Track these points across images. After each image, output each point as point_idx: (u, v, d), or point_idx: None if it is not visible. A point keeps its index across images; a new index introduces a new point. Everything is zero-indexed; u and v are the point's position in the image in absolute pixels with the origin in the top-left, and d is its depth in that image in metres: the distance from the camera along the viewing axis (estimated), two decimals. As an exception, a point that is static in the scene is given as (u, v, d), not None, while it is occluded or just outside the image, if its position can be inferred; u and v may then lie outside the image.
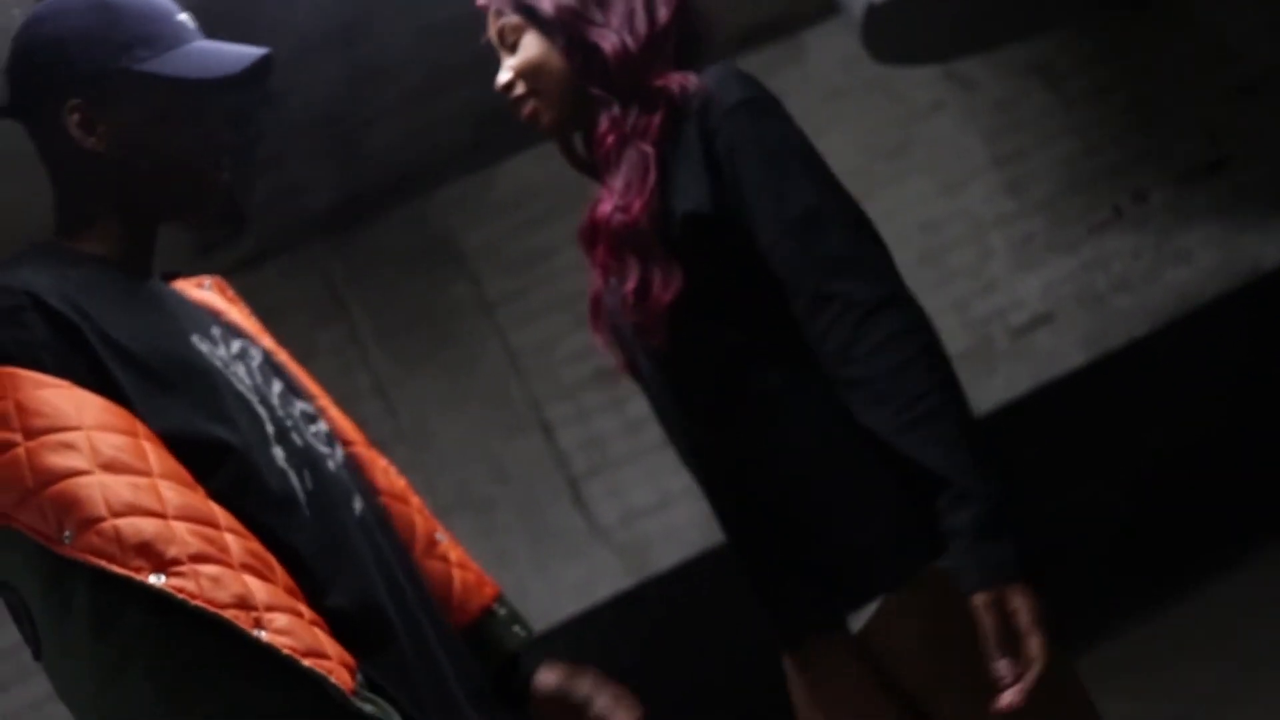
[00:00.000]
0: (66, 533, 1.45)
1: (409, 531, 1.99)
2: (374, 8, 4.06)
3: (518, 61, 1.99)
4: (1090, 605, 5.57)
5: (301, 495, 1.67)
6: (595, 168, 2.01)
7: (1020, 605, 1.65)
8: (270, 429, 1.70)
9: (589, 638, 5.35)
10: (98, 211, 1.75)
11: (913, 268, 5.86)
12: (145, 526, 1.46)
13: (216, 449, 1.60)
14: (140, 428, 1.55)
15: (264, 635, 1.45)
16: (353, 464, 1.92)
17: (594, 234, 1.97)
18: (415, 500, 2.05)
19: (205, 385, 1.66)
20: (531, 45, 1.98)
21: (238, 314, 1.98)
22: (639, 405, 5.63)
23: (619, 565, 5.56)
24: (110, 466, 1.49)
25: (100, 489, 1.47)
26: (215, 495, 1.56)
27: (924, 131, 6.10)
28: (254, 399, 1.72)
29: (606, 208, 1.92)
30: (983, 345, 5.93)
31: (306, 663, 1.46)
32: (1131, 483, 5.74)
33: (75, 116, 1.71)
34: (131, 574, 1.43)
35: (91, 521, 1.45)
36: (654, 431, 5.62)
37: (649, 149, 1.88)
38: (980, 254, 6.02)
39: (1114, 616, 5.56)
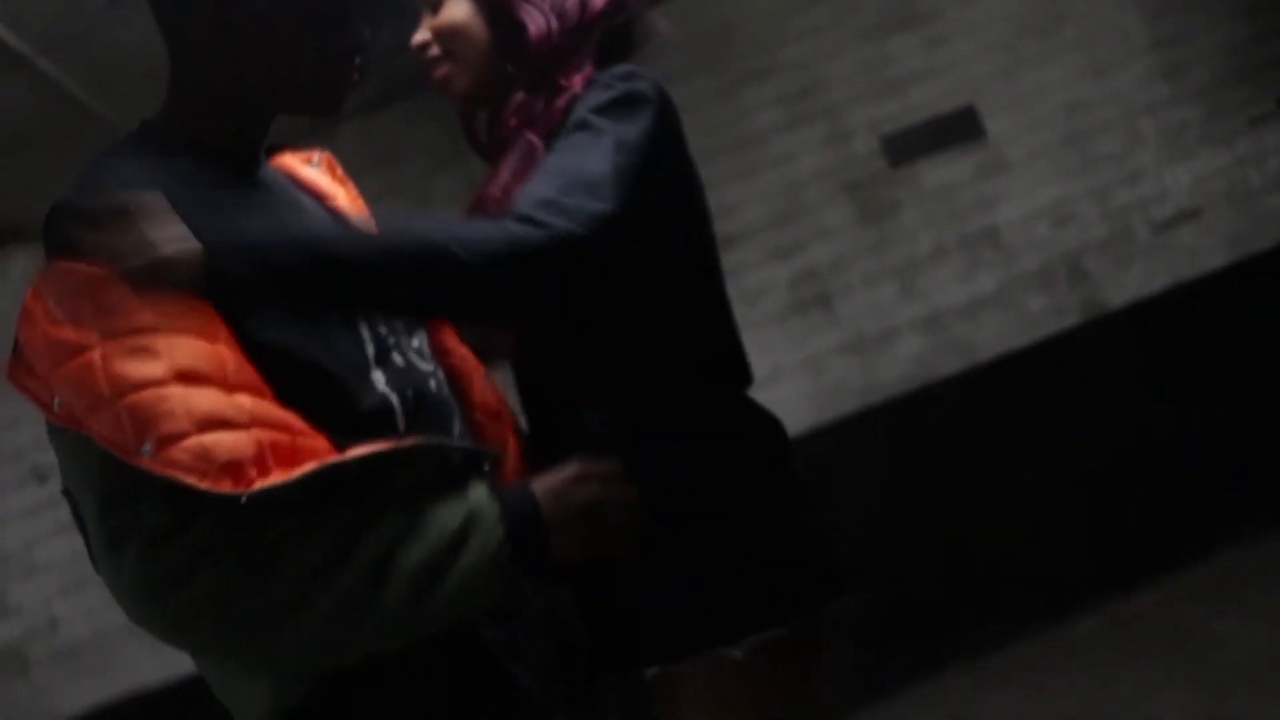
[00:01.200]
0: (146, 445, 1.39)
1: (500, 450, 1.91)
2: None
3: (439, 22, 1.94)
4: (1207, 526, 5.38)
5: (401, 420, 1.60)
6: (490, 149, 1.94)
7: None
8: (371, 349, 1.63)
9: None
10: (214, 101, 1.67)
11: (1054, 151, 5.63)
12: (229, 441, 1.41)
13: (312, 373, 1.54)
14: (221, 331, 1.49)
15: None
16: (453, 381, 1.85)
17: (474, 214, 1.86)
18: (509, 416, 1.97)
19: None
20: (456, 9, 1.92)
21: (345, 198, 1.91)
22: (756, 275, 5.55)
23: (726, 436, 5.47)
24: (189, 376, 1.43)
25: (182, 401, 1.41)
26: (308, 419, 1.50)
27: (1079, 7, 5.79)
28: (354, 316, 1.64)
29: (493, 190, 1.84)
30: (1121, 237, 5.67)
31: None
32: (1272, 396, 5.49)
33: (210, 3, 1.61)
34: (219, 490, 1.38)
35: (175, 437, 1.40)
36: (769, 303, 5.54)
37: (536, 140, 1.82)
38: (1128, 141, 5.73)
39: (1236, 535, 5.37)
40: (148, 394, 1.41)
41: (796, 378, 5.54)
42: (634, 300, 1.74)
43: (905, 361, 5.55)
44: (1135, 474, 5.40)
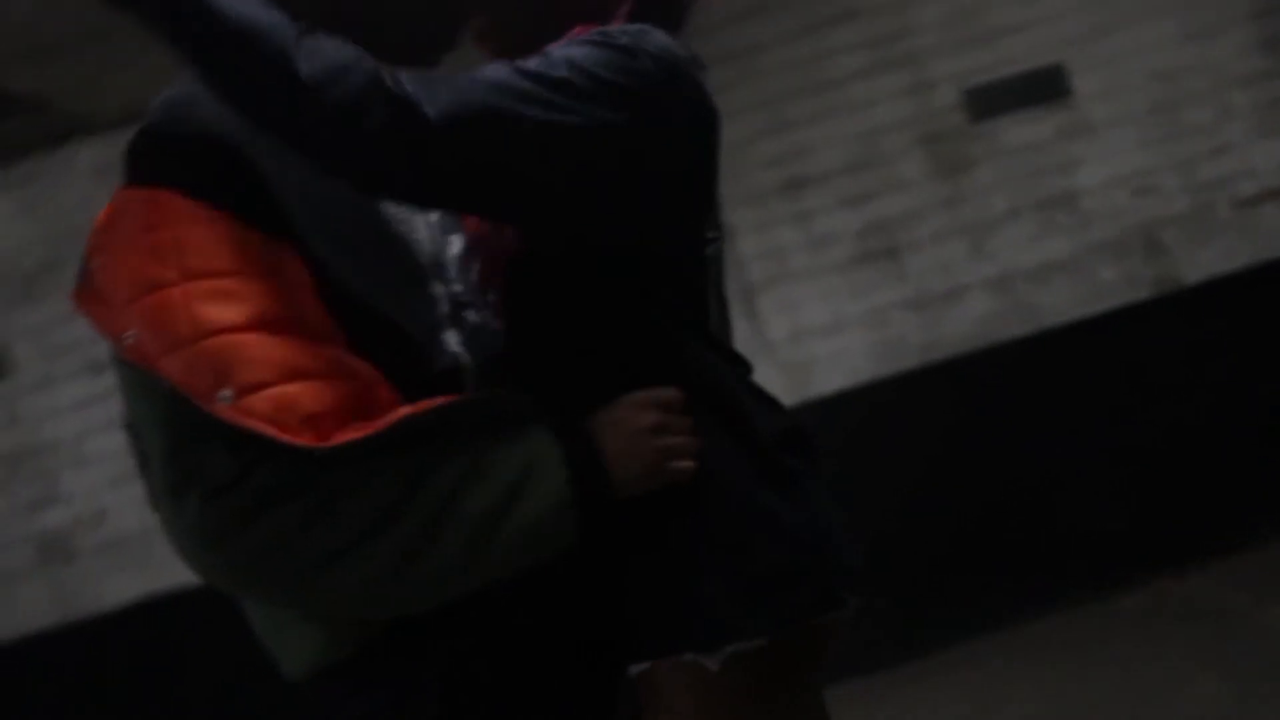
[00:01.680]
0: (224, 392, 1.37)
1: None
2: None
3: None
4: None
5: (471, 380, 1.57)
6: None
7: None
8: (445, 308, 1.59)
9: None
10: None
11: (1140, 118, 5.48)
12: (311, 392, 1.39)
13: (385, 327, 1.50)
14: (304, 277, 1.46)
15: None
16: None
17: None
18: None
19: (386, 255, 1.55)
20: None
21: None
22: (825, 222, 5.47)
23: (781, 382, 5.42)
24: (270, 323, 1.41)
25: (263, 348, 1.38)
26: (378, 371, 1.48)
27: (1180, -29, 5.61)
28: (432, 273, 1.60)
29: None
30: (1203, 211, 5.53)
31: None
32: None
33: None
34: (298, 443, 1.36)
35: (258, 386, 1.37)
36: (837, 251, 5.46)
37: None
38: (1218, 113, 5.58)
39: (1293, 516, 5.27)
40: (228, 339, 1.38)
41: (858, 329, 5.47)
42: (616, 296, 1.62)
43: (969, 322, 5.46)
44: (1194, 453, 5.30)
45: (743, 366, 1.79)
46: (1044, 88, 5.49)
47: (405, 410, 1.43)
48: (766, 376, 5.65)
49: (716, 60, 5.48)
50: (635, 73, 1.52)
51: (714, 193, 1.73)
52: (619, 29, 1.59)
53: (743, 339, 5.44)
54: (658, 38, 1.59)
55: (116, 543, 5.41)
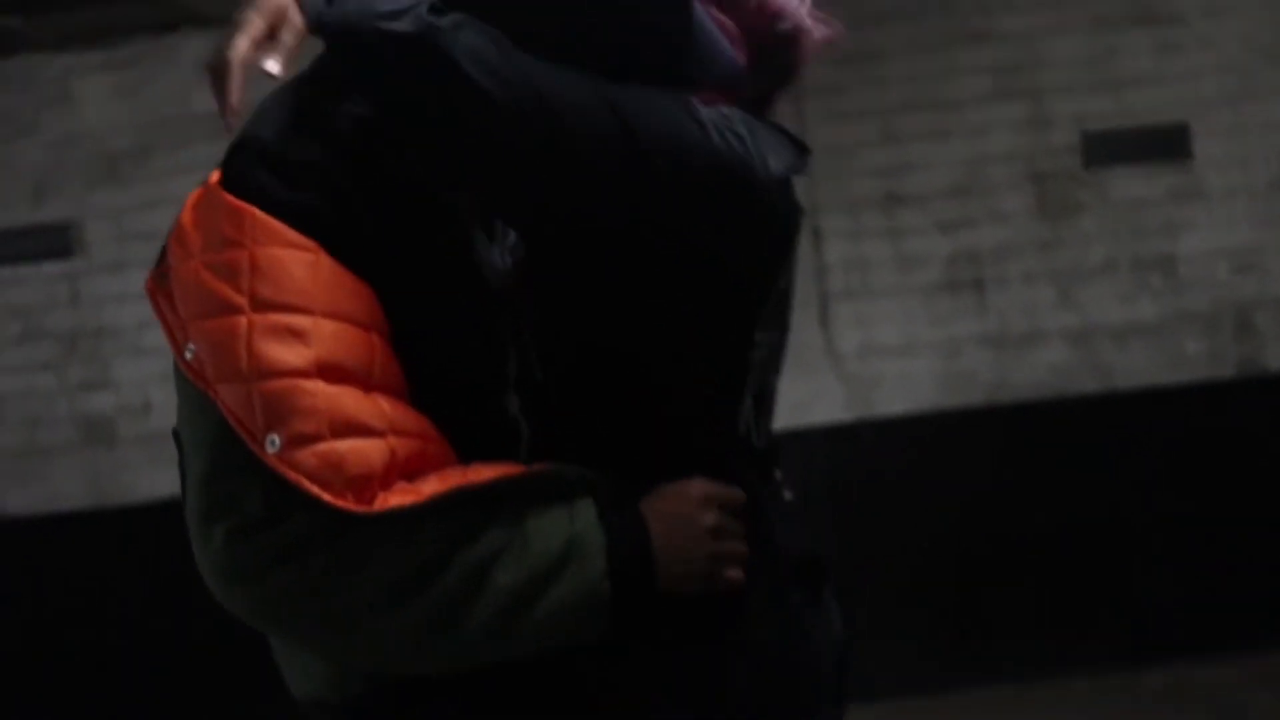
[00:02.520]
0: (273, 438, 1.31)
1: None
2: None
3: None
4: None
5: (525, 449, 1.49)
6: None
7: None
8: (513, 370, 1.50)
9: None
10: None
11: (1257, 192, 5.33)
12: (362, 451, 1.33)
13: (451, 379, 1.43)
14: (378, 316, 1.39)
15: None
16: None
17: None
18: None
19: (464, 306, 1.46)
20: None
21: None
22: (916, 243, 5.37)
23: (842, 396, 5.35)
24: (333, 370, 1.34)
25: (322, 399, 1.32)
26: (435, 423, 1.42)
27: (1328, 48, 5.43)
28: (507, 336, 1.50)
29: None
30: (1304, 298, 5.38)
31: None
32: None
33: None
34: (340, 505, 1.31)
35: (309, 439, 1.31)
36: (922, 274, 5.36)
37: None
38: (1340, 200, 5.41)
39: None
40: (287, 384, 1.33)
41: (930, 355, 5.38)
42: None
43: (1043, 368, 5.36)
44: (1248, 541, 5.19)
45: (772, 463, 1.71)
46: (1164, 145, 5.34)
47: (454, 480, 1.38)
48: (829, 387, 5.61)
49: (835, 61, 5.36)
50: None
51: (777, 296, 1.65)
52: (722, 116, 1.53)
53: (811, 346, 5.40)
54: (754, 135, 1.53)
55: (159, 437, 5.41)
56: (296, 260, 1.36)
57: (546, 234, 1.49)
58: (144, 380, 5.42)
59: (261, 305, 1.34)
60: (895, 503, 5.23)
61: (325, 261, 1.37)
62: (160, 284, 1.44)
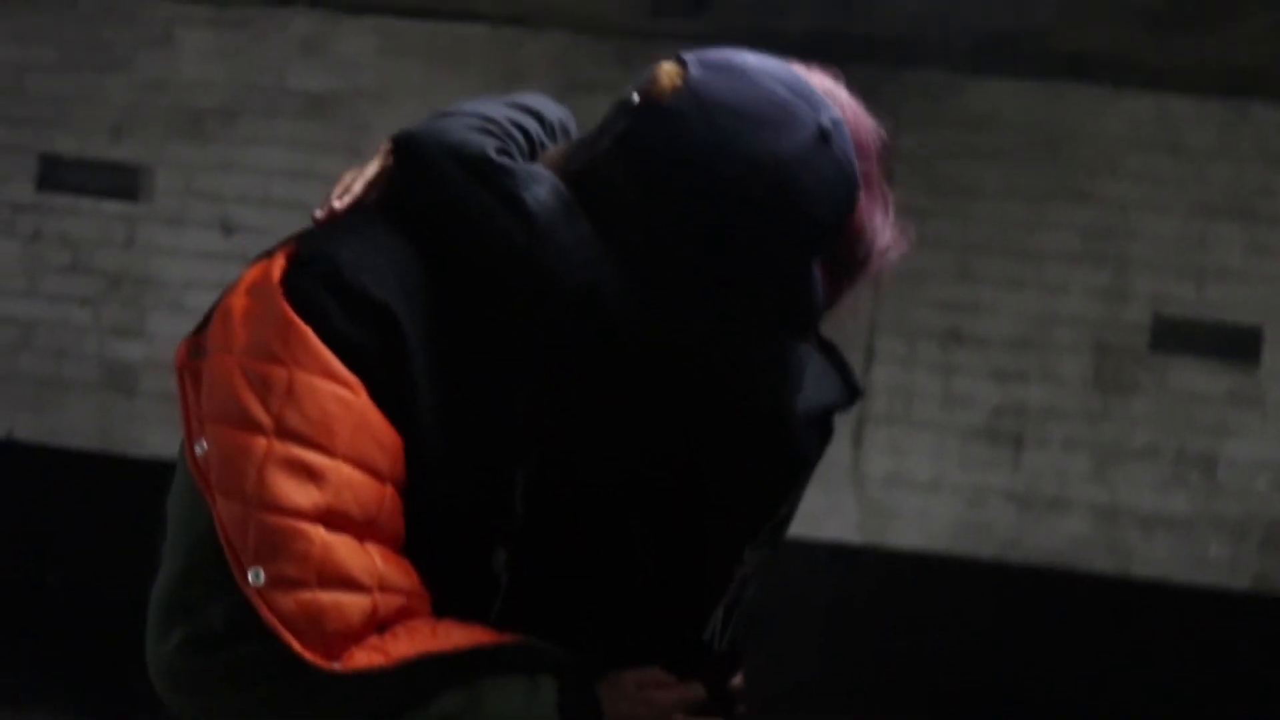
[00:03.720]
0: (259, 571, 1.27)
1: None
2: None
3: None
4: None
5: (498, 604, 1.44)
6: None
7: None
8: (509, 526, 1.46)
9: (783, 565, 5.15)
10: None
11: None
12: (344, 607, 1.29)
13: (446, 529, 1.38)
14: (398, 469, 1.34)
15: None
16: None
17: None
18: None
19: (485, 466, 1.40)
20: None
21: None
22: (966, 384, 5.30)
23: (857, 518, 5.29)
24: (336, 519, 1.30)
25: (321, 549, 1.28)
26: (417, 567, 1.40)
27: None
28: (517, 492, 1.47)
29: None
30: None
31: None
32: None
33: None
34: (307, 657, 1.27)
35: (293, 584, 1.27)
36: (965, 417, 5.29)
37: None
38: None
39: None
40: (287, 523, 1.28)
41: (953, 498, 5.31)
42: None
43: (1062, 538, 5.29)
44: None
45: (730, 670, 1.66)
46: (1234, 345, 5.26)
47: (424, 642, 1.35)
48: (846, 506, 5.55)
49: (925, 187, 5.31)
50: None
51: (776, 521, 1.59)
52: None
53: (838, 462, 5.34)
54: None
55: (176, 398, 5.39)
56: (334, 396, 1.31)
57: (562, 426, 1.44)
58: (177, 339, 5.27)
59: (285, 433, 1.29)
60: (888, 635, 5.16)
61: (362, 403, 1.32)
62: (191, 358, 1.39)
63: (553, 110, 1.63)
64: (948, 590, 5.22)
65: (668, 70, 1.41)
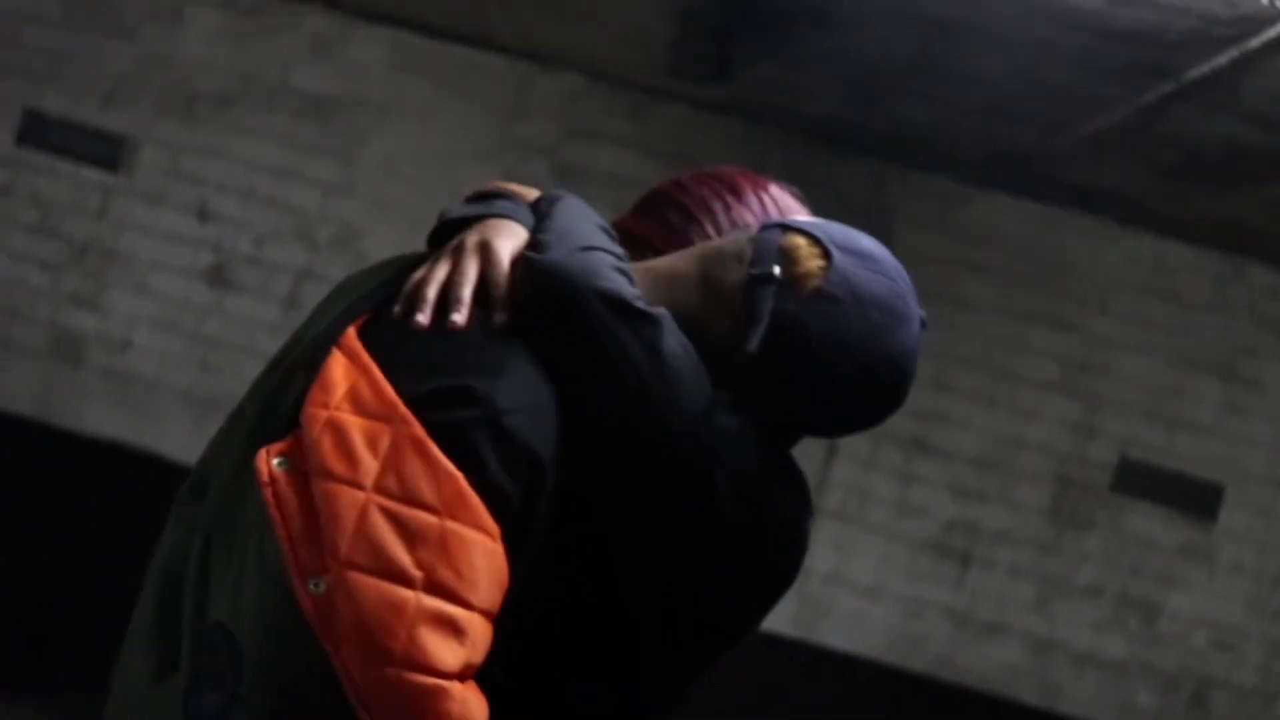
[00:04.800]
0: None
1: None
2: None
3: None
4: None
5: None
6: None
7: None
8: None
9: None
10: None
11: (1264, 576, 5.18)
12: None
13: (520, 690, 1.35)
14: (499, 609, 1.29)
15: None
16: None
17: None
18: None
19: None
20: None
21: None
22: (922, 495, 5.24)
23: (793, 611, 5.20)
24: (469, 673, 1.24)
25: (461, 707, 1.22)
26: None
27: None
28: None
29: None
30: (1266, 695, 5.26)
31: None
32: None
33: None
34: None
35: None
36: (915, 527, 5.22)
37: None
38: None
39: None
40: (436, 685, 1.21)
41: (892, 607, 5.24)
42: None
43: (993, 663, 5.22)
44: None
45: None
46: (1194, 498, 5.24)
47: None
48: (785, 596, 5.46)
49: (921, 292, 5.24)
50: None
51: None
52: None
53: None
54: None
55: (124, 379, 5.24)
56: (481, 548, 1.24)
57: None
58: (134, 318, 5.24)
59: (434, 588, 1.21)
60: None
61: (500, 553, 1.26)
62: (285, 470, 1.26)
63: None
64: (875, 696, 5.14)
65: (808, 248, 1.45)
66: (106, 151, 5.22)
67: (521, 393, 1.29)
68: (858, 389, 1.42)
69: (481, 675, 1.31)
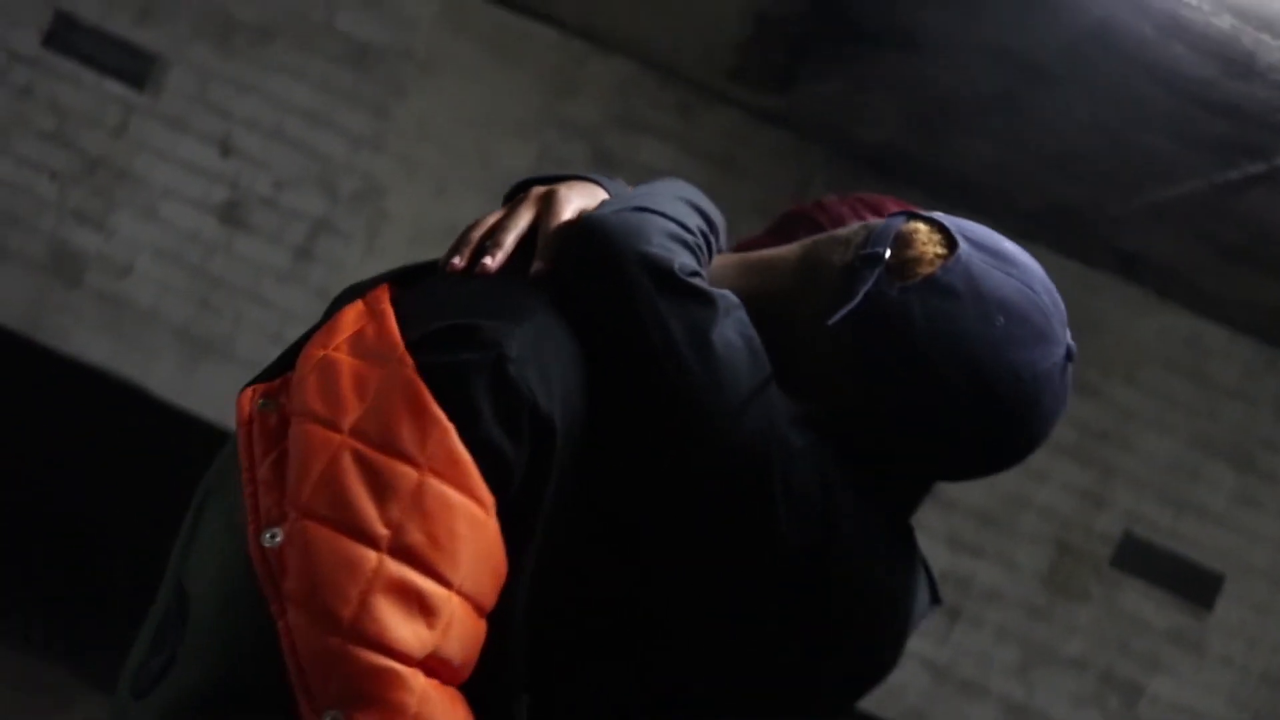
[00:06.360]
0: (336, 717, 1.02)
1: None
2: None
3: None
4: None
5: None
6: None
7: None
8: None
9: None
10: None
11: (1250, 673, 5.06)
12: None
13: (493, 675, 1.15)
14: (493, 602, 1.10)
15: None
16: None
17: None
18: None
19: (551, 612, 1.23)
20: None
21: None
22: (920, 542, 5.10)
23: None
24: (438, 665, 1.06)
25: (419, 702, 1.04)
26: None
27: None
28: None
29: None
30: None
31: None
32: None
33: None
34: None
35: None
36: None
37: None
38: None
39: None
40: (388, 666, 1.03)
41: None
42: None
43: (967, 723, 5.10)
44: None
45: None
46: (1192, 584, 5.12)
47: None
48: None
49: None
50: None
51: None
52: None
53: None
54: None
55: (119, 304, 5.04)
56: (466, 515, 1.06)
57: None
58: (138, 243, 5.04)
59: (401, 551, 1.04)
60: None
61: (491, 527, 1.08)
62: (263, 409, 1.12)
63: (716, 213, 1.39)
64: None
65: (925, 232, 1.23)
66: (135, 67, 5.01)
67: (535, 343, 1.11)
68: (971, 406, 1.18)
69: (473, 690, 1.13)
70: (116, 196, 5.04)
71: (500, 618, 1.12)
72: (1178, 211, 4.12)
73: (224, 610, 1.10)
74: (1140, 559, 5.13)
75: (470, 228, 1.24)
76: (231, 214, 5.04)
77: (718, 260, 1.32)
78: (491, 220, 1.24)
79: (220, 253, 5.03)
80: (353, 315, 1.14)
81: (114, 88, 5.04)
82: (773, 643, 1.28)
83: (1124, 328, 5.10)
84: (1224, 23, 2.84)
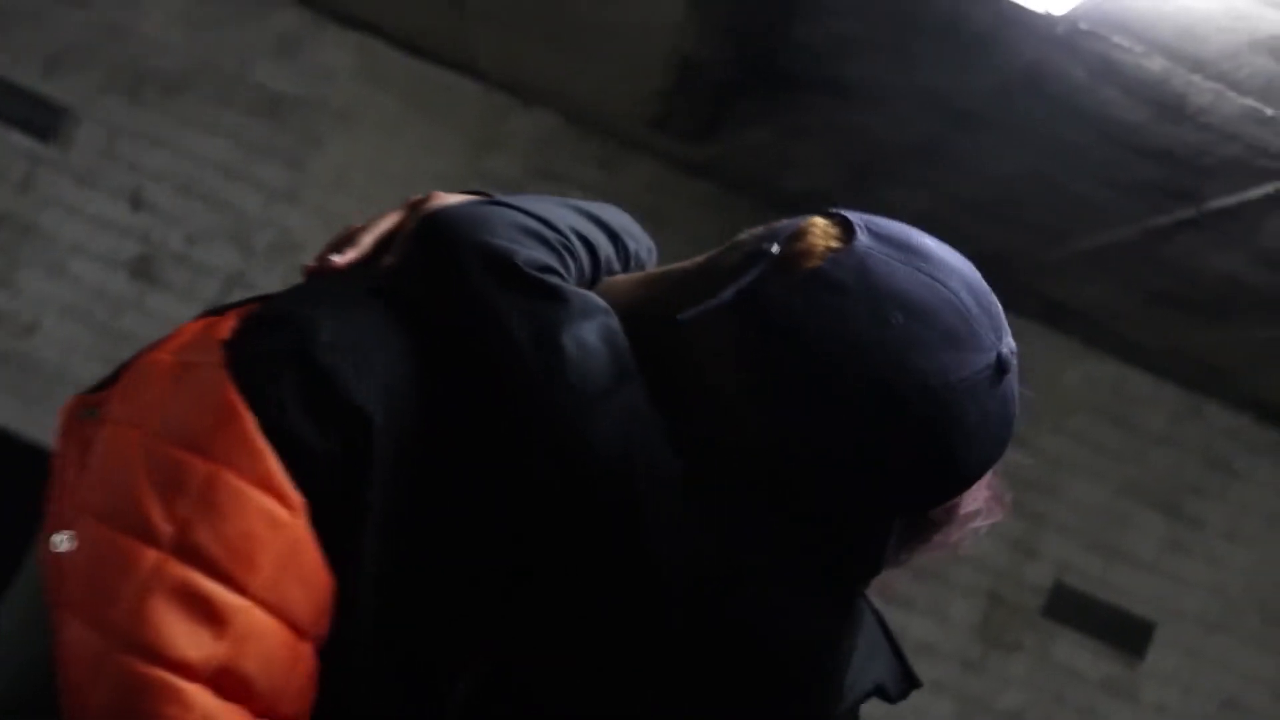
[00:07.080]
0: None
1: None
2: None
3: None
4: None
5: None
6: None
7: None
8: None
9: None
10: None
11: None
12: None
13: (362, 699, 1.03)
14: (323, 622, 0.99)
15: None
16: None
17: None
18: None
19: (413, 652, 1.05)
20: None
21: None
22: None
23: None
24: (232, 685, 0.94)
25: (188, 714, 0.92)
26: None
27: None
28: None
29: None
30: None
31: None
32: None
33: None
34: None
35: None
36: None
37: None
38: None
39: None
40: (162, 678, 0.92)
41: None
42: None
43: (903, 780, 5.01)
44: None
45: None
46: (1124, 634, 5.10)
47: None
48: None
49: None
50: None
51: None
52: None
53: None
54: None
55: (24, 364, 4.86)
56: (264, 513, 0.95)
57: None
58: (46, 302, 4.87)
59: (187, 550, 0.93)
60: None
61: (298, 528, 0.97)
62: (79, 419, 1.02)
63: (637, 234, 1.29)
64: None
65: (821, 226, 1.07)
66: (42, 120, 4.86)
67: (354, 332, 1.01)
68: (872, 419, 1.02)
69: None
70: (20, 253, 4.88)
71: (339, 649, 1.00)
72: (1106, 257, 4.12)
73: (11, 625, 1.01)
74: (1072, 609, 5.10)
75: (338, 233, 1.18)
76: (143, 269, 4.89)
77: (620, 276, 1.23)
78: (356, 225, 1.17)
79: (131, 309, 4.87)
80: (198, 323, 1.06)
81: (20, 140, 4.89)
82: (648, 695, 1.17)
83: (1051, 376, 5.10)
84: (1155, 65, 2.83)
